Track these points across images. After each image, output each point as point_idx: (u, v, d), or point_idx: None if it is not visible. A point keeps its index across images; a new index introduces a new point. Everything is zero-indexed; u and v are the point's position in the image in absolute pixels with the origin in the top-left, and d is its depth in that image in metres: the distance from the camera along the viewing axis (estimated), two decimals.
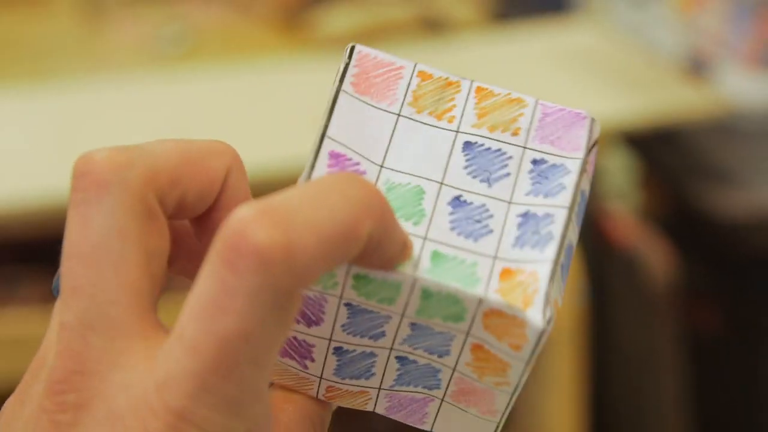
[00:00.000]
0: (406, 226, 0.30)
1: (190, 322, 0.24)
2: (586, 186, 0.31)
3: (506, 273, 0.29)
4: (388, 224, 0.27)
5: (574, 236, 0.30)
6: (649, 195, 1.36)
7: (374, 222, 0.26)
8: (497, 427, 0.31)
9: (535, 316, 0.28)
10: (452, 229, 0.30)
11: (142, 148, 0.28)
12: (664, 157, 1.29)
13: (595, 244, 1.24)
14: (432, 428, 0.32)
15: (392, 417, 0.32)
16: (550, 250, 0.29)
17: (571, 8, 1.47)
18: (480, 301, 0.28)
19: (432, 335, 0.30)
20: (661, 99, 1.21)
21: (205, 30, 1.43)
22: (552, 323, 0.28)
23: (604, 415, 1.27)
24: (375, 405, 0.32)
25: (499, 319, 0.29)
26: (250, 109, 1.19)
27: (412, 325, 0.30)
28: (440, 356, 0.30)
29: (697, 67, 1.23)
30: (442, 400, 0.31)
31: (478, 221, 0.30)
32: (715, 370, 1.28)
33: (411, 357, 0.31)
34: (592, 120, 0.31)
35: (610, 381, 1.28)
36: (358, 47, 0.32)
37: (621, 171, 1.37)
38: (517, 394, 0.30)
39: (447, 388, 0.31)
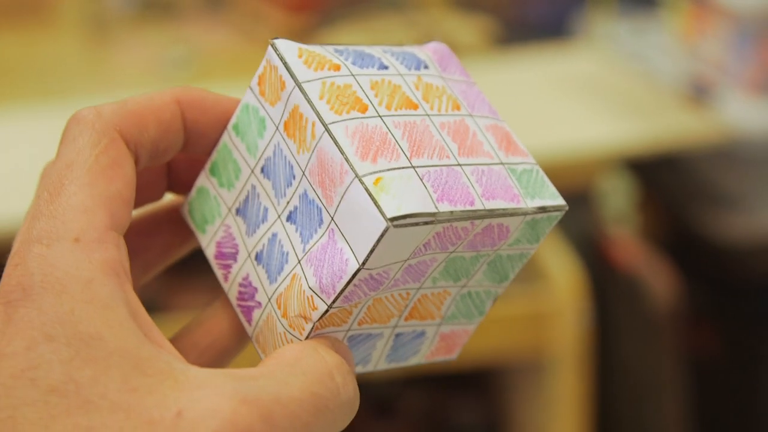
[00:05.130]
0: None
1: None
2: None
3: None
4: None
5: None
6: (650, 219, 1.37)
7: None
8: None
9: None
10: None
11: (114, 102, 0.35)
12: (666, 181, 1.30)
13: (597, 267, 1.25)
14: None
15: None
16: None
17: (573, 34, 1.48)
18: None
19: None
20: (662, 125, 1.23)
21: (210, 52, 1.44)
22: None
23: None
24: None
25: None
26: None
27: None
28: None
29: (698, 94, 1.25)
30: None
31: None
32: (715, 392, 1.29)
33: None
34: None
35: (612, 402, 1.28)
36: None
37: (622, 195, 1.38)
38: None
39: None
